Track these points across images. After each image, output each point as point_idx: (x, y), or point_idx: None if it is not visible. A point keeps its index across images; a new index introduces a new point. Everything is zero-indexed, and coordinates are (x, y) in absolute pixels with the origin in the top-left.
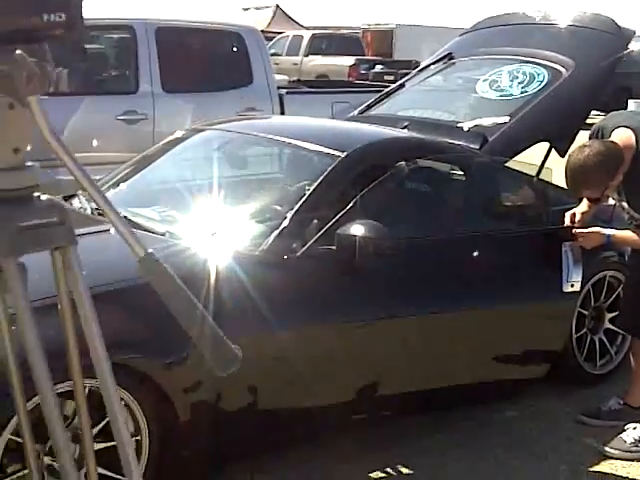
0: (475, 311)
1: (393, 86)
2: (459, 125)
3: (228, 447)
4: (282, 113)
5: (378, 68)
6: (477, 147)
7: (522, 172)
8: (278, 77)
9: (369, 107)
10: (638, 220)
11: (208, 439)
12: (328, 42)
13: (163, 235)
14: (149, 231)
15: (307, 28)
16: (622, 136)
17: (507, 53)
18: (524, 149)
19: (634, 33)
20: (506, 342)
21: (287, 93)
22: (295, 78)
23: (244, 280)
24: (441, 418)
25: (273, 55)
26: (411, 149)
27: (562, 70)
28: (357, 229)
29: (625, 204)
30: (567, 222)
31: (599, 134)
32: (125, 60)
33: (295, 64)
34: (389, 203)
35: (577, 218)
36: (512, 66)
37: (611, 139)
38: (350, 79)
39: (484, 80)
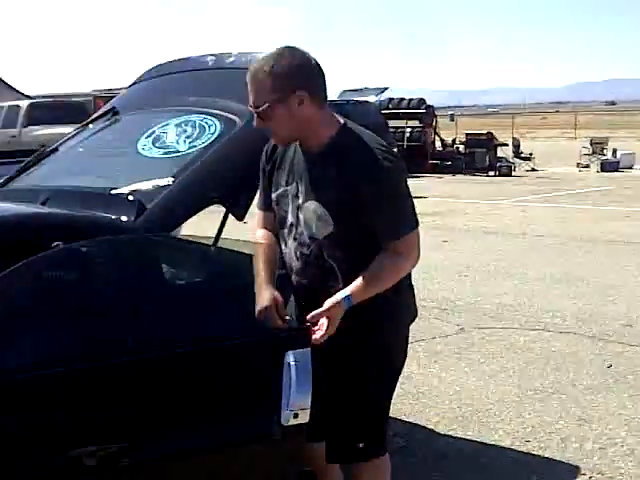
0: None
1: (44, 151)
2: (113, 192)
3: None
4: None
5: None
6: (132, 217)
7: (196, 242)
8: None
9: (11, 179)
10: (311, 243)
11: None
12: (50, 110)
13: None
14: None
15: (33, 97)
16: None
17: (176, 104)
18: (192, 214)
19: None
20: None
21: None
22: None
23: None
24: None
25: None
26: (25, 231)
27: (236, 119)
28: None
29: (300, 198)
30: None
31: None
32: None
33: (13, 136)
34: None
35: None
36: (180, 118)
37: None
38: None
39: (147, 137)
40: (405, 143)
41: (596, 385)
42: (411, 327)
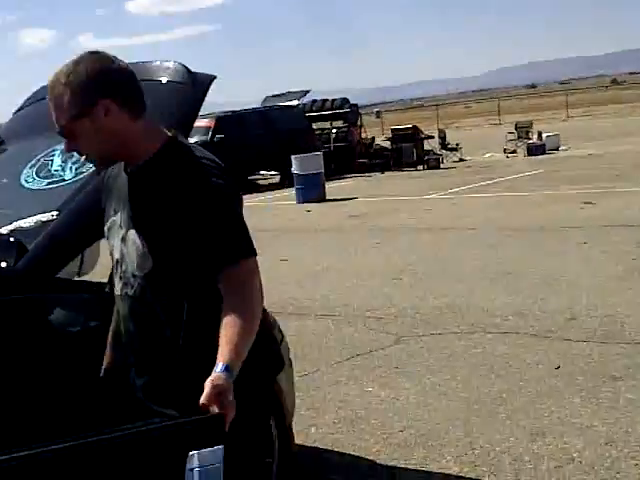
0: None
1: None
2: None
3: None
4: None
5: None
6: (12, 262)
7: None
8: None
9: None
10: (134, 282)
11: None
12: None
13: None
14: None
15: None
16: None
17: None
18: (80, 252)
19: (211, 79)
20: None
21: None
22: None
23: None
24: None
25: None
26: None
27: None
28: None
29: (123, 228)
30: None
31: None
32: None
33: None
34: None
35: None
36: None
37: None
38: None
39: (31, 166)
40: (332, 145)
41: (545, 391)
42: (347, 341)
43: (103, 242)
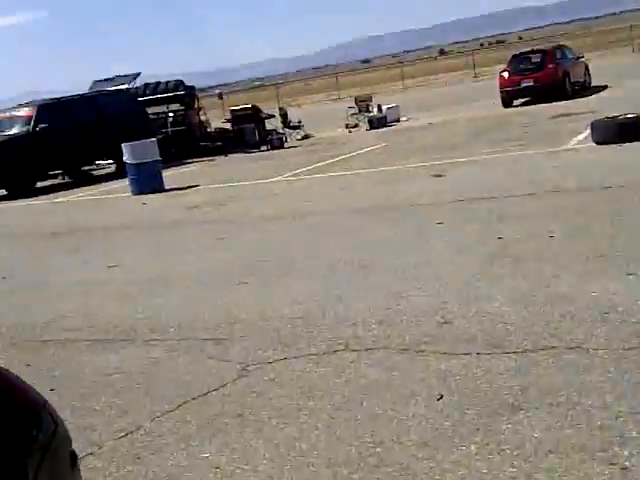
0: None
1: None
2: None
3: None
4: None
5: None
6: None
7: None
8: None
9: None
10: None
11: None
12: None
13: None
14: None
15: None
16: None
17: None
18: None
19: None
20: None
21: None
22: None
23: None
24: None
25: None
26: None
27: None
28: None
29: None
30: None
31: None
32: None
33: None
34: None
35: None
36: None
37: None
38: None
39: None
40: (169, 129)
41: (432, 437)
42: (179, 377)
43: None
